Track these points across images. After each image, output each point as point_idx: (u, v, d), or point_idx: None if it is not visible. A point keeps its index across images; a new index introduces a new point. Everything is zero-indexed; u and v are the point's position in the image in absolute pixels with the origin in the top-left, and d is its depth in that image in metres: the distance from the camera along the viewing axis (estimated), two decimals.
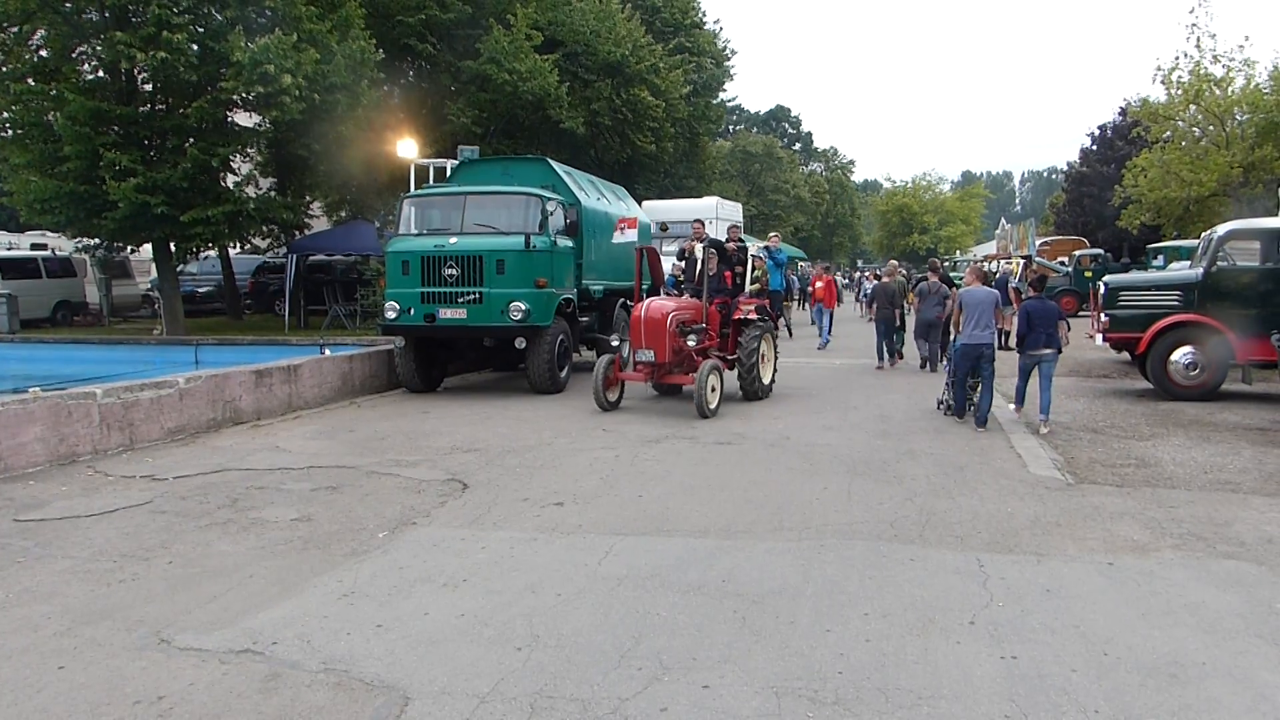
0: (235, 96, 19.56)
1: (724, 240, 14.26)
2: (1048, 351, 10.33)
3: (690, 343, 11.78)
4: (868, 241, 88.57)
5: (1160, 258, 27.59)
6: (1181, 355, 12.71)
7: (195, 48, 19.12)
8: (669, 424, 10.83)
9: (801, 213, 71.58)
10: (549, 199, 13.69)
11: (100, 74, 20.50)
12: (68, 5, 19.42)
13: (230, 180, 21.35)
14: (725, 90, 43.39)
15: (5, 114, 20.19)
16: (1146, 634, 4.60)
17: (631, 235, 13.99)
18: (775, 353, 13.52)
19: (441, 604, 5.03)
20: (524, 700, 3.88)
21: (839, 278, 37.00)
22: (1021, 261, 31.70)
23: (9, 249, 28.04)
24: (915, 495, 7.41)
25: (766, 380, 13.08)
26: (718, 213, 26.22)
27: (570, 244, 14.24)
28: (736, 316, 12.77)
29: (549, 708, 3.82)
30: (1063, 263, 35.29)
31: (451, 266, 12.83)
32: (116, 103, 19.24)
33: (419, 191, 15.75)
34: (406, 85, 30.00)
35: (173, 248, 21.38)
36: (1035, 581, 5.35)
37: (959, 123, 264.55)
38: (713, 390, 11.30)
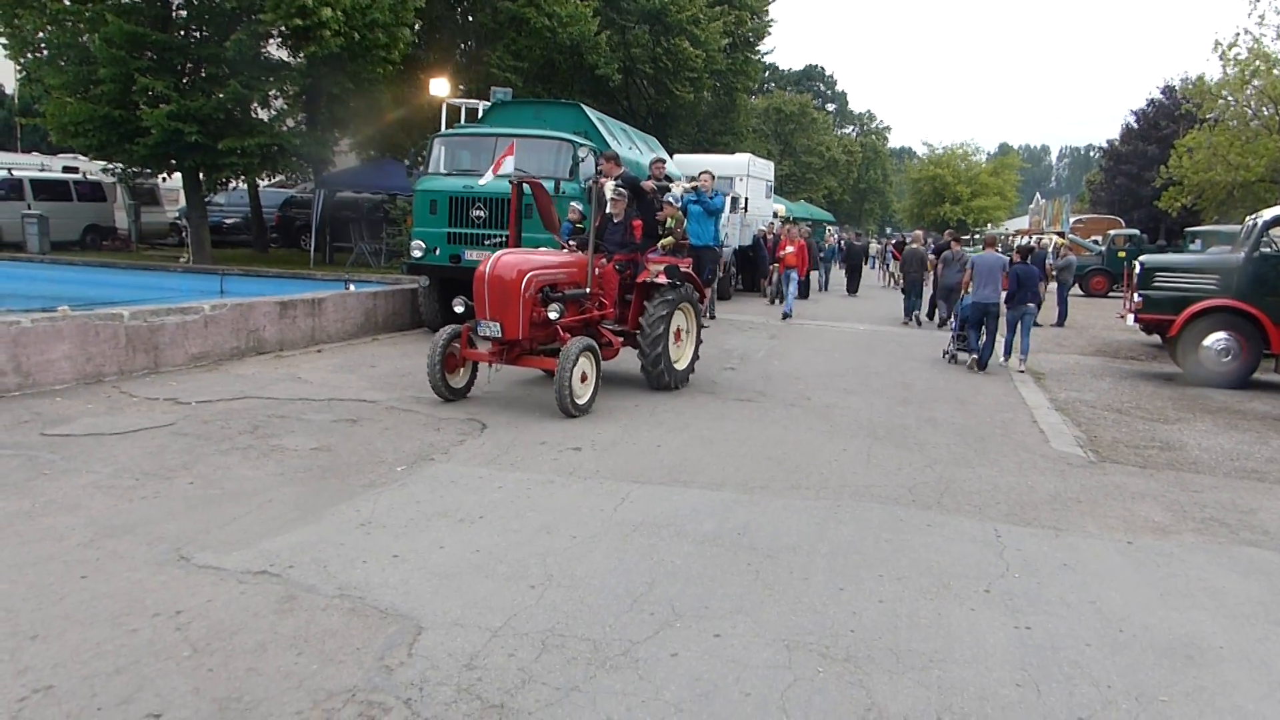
0: (273, 29, 19.39)
1: (638, 177, 10.51)
2: (1030, 306, 13.00)
3: (552, 314, 8.50)
4: (898, 209, 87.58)
5: (1198, 241, 27.13)
6: (1214, 341, 12.51)
7: None
8: (690, 377, 10.78)
9: (834, 176, 70.84)
10: (581, 145, 13.55)
11: None
12: None
13: (265, 113, 21.28)
14: (763, 45, 42.62)
15: (41, 34, 20.11)
16: (1164, 614, 4.57)
17: (508, 166, 9.92)
18: (698, 328, 10.42)
19: (457, 539, 5.06)
20: (535, 636, 3.90)
21: (873, 243, 35.16)
22: (1055, 238, 31.31)
23: (41, 170, 28.11)
24: (935, 462, 7.37)
25: (682, 364, 10.09)
26: (749, 170, 25.91)
27: None
28: (642, 279, 9.81)
29: (560, 645, 3.84)
30: (1096, 241, 34.81)
31: (479, 208, 12.76)
32: (152, 28, 19.14)
33: (450, 131, 15.62)
34: (443, 25, 29.66)
35: (202, 177, 21.38)
36: (1053, 555, 5.32)
37: (999, 93, 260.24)
38: (582, 379, 8.37)
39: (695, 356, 10.48)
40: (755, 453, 7.37)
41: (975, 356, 13.10)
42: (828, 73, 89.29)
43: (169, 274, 19.41)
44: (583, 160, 13.39)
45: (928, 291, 20.33)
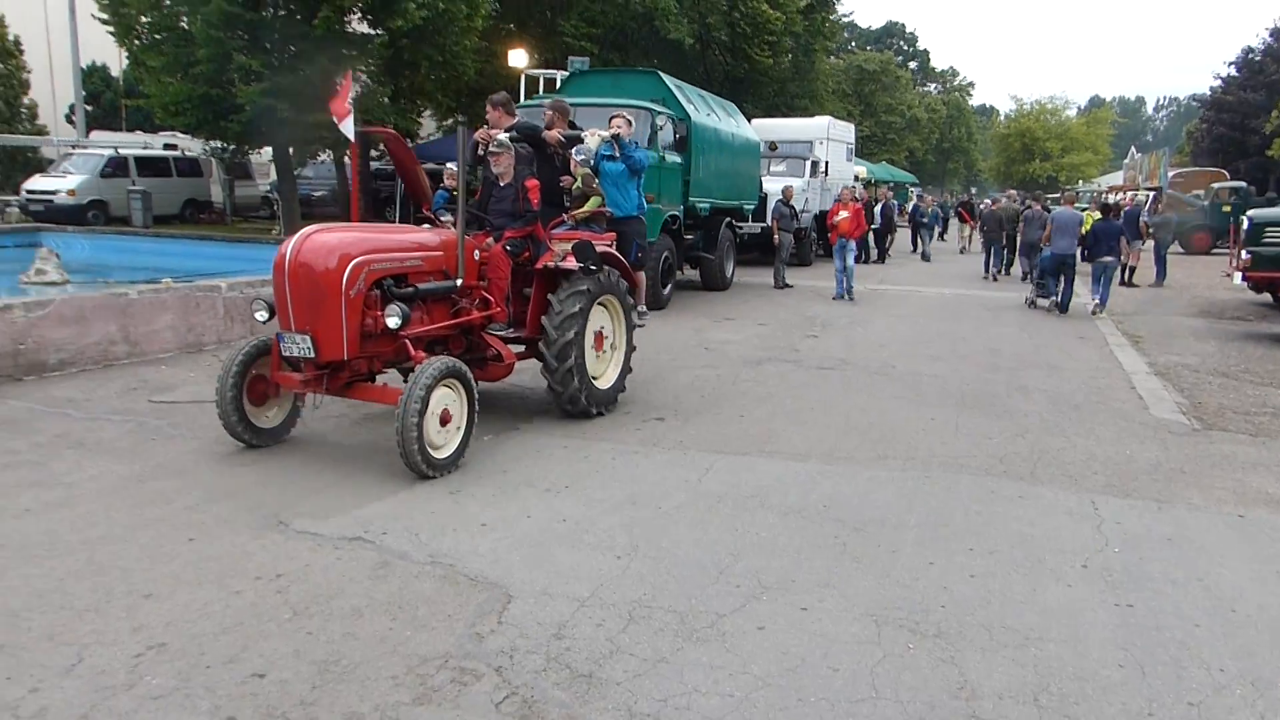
0: (357, 3, 19.70)
1: (538, 126, 8.20)
2: (1109, 259, 14.59)
3: (391, 322, 5.70)
4: (984, 168, 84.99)
5: None
6: None
7: None
8: (770, 346, 10.70)
9: (916, 136, 69.06)
10: (659, 113, 13.46)
11: None
12: None
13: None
14: (841, 4, 41.62)
15: (144, 19, 20.83)
16: None
17: (346, 128, 7.39)
18: (629, 330, 7.64)
19: (543, 508, 5.12)
20: (622, 607, 3.94)
21: (933, 205, 31.92)
22: (1151, 194, 30.03)
23: (144, 149, 29.17)
24: (1026, 431, 7.18)
25: (606, 381, 7.40)
26: (829, 133, 25.44)
27: (678, 160, 14.01)
28: (543, 264, 6.92)
29: (646, 616, 3.87)
30: (1198, 196, 33.25)
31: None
32: (245, 8, 19.61)
33: (528, 102, 15.68)
34: None
35: (292, 151, 21.90)
36: (1155, 529, 5.14)
37: (1088, 43, 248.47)
38: (443, 421, 5.62)
39: (626, 369, 7.61)
40: (840, 422, 7.28)
41: (1055, 300, 14.74)
42: (908, 29, 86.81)
43: (262, 246, 19.97)
44: (661, 128, 13.30)
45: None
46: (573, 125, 8.73)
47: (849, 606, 4.02)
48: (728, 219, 16.52)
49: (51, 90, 37.37)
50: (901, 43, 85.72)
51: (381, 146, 26.92)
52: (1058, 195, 22.93)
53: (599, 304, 7.22)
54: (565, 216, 7.83)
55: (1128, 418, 7.80)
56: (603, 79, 16.21)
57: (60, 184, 24.86)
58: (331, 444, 6.27)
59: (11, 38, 35.67)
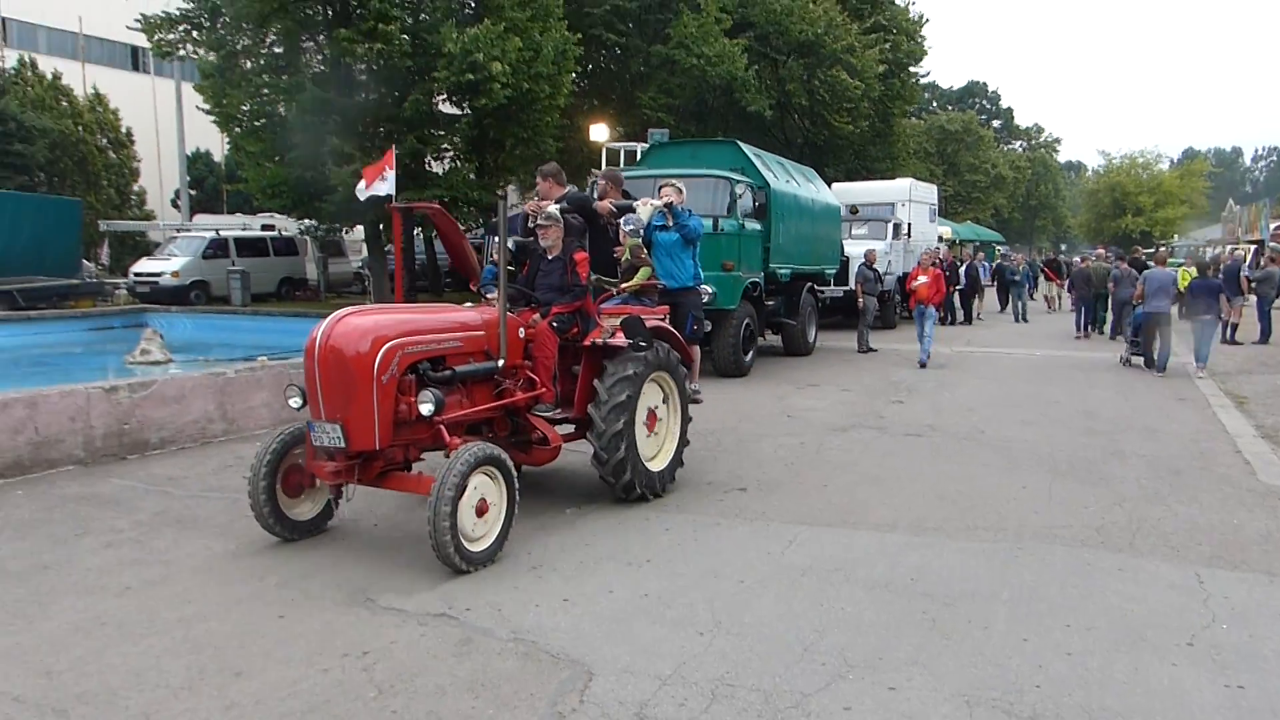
0: (445, 85, 20.57)
1: (590, 197, 8.16)
2: (1207, 317, 14.24)
3: (424, 409, 5.37)
4: (1073, 224, 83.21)
5: None
6: None
7: (407, 38, 20.23)
8: (855, 412, 10.57)
9: (1001, 193, 68.17)
10: (738, 181, 13.60)
11: (324, 68, 22.06)
12: (296, 4, 20.95)
13: (438, 166, 22.55)
14: (919, 66, 41.58)
15: (244, 107, 22.11)
16: None
17: (381, 188, 7.58)
18: (684, 408, 7.25)
19: (625, 582, 5.11)
20: (705, 686, 3.88)
21: (1023, 263, 29.75)
22: (1253, 248, 28.98)
23: (243, 230, 30.65)
24: (1124, 499, 6.90)
25: (659, 462, 6.97)
26: (911, 195, 25.33)
27: (758, 226, 14.10)
28: (591, 340, 6.62)
29: (729, 695, 3.80)
30: None
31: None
32: (339, 93, 20.66)
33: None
34: (598, 72, 30.56)
35: (382, 229, 22.75)
36: (1267, 604, 4.86)
37: (1180, 95, 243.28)
38: (480, 512, 5.31)
39: (682, 447, 7.21)
40: (927, 491, 7.12)
41: (1150, 358, 14.45)
42: (990, 88, 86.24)
43: None
44: (740, 196, 13.43)
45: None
46: (626, 195, 8.59)
47: (938, 686, 3.89)
48: (809, 284, 16.50)
49: (159, 177, 39.68)
50: (984, 101, 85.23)
51: (475, 223, 27.79)
52: (1152, 250, 22.23)
53: (651, 381, 6.85)
54: (613, 290, 7.51)
55: (1233, 484, 7.44)
56: (682, 150, 16.50)
57: (165, 266, 26.20)
58: (418, 519, 6.37)
59: (124, 129, 38.10)
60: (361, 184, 7.91)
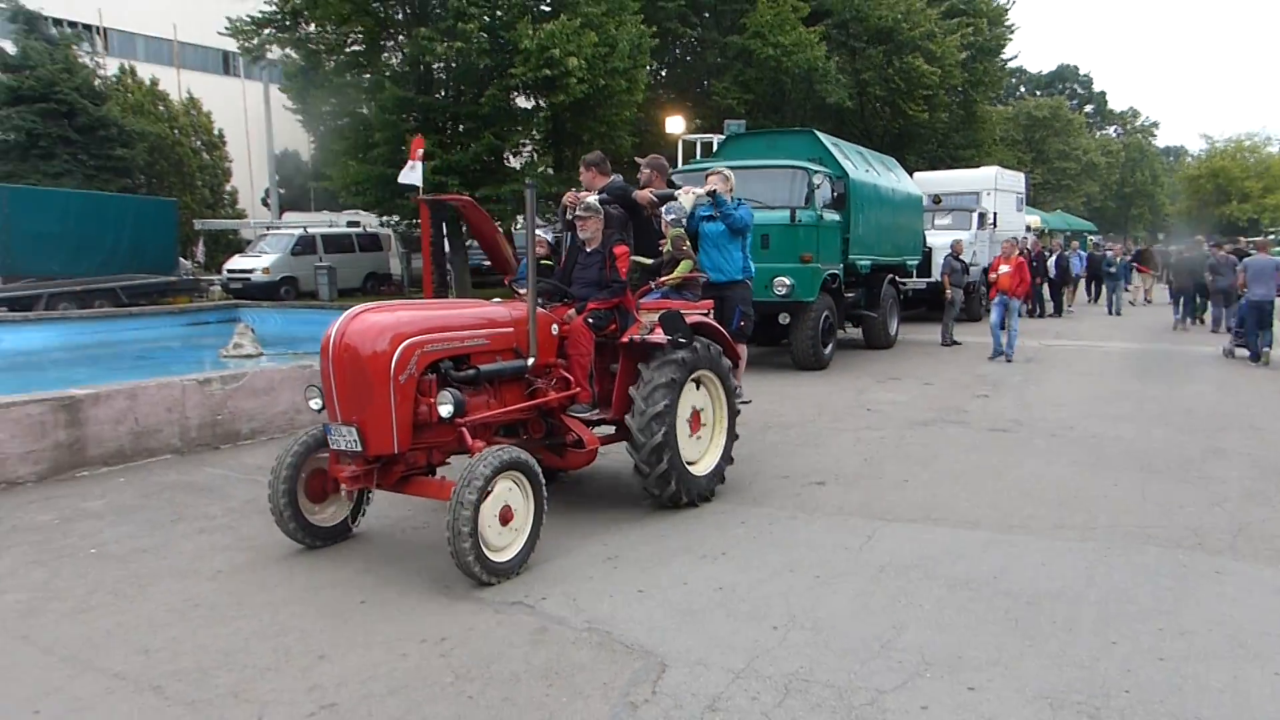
0: (522, 81, 20.79)
1: (630, 186, 7.41)
2: None
3: (443, 411, 5.08)
4: (1171, 212, 79.99)
5: None
6: None
7: (485, 36, 20.49)
8: (937, 407, 10.35)
9: (1093, 180, 65.93)
10: (815, 172, 13.43)
11: (403, 66, 22.52)
12: (376, 4, 21.41)
13: (516, 161, 22.83)
14: (1004, 52, 40.43)
15: (327, 108, 22.72)
16: None
17: (413, 177, 7.66)
18: (728, 413, 6.80)
19: (700, 575, 5.09)
20: (778, 680, 3.84)
21: (1122, 254, 28.06)
22: None
23: (330, 227, 31.51)
24: (1225, 500, 6.61)
25: (703, 467, 6.55)
26: (997, 183, 24.68)
27: (837, 217, 13.90)
28: (628, 337, 6.27)
29: (803, 690, 3.76)
30: None
31: None
32: (418, 92, 21.05)
33: (686, 167, 15.95)
34: (673, 64, 30.51)
35: (463, 224, 23.12)
36: None
37: None
38: (504, 520, 5.00)
39: (727, 456, 6.78)
40: (1012, 488, 6.93)
41: (1253, 351, 13.94)
42: (1082, 72, 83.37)
43: None
44: (818, 187, 13.25)
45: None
46: (670, 184, 8.09)
47: (1020, 687, 3.78)
48: (890, 275, 16.21)
49: (250, 176, 40.99)
50: (1075, 86, 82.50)
51: (553, 217, 28.01)
52: (1256, 238, 21.26)
53: (695, 380, 6.46)
54: (652, 284, 7.11)
55: None
56: (758, 141, 16.35)
57: (256, 263, 27.10)
58: None
59: (217, 131, 39.44)
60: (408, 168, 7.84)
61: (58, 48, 33.77)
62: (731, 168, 13.68)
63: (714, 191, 8.14)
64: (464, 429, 5.26)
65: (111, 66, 38.05)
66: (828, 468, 7.54)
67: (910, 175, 20.65)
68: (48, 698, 3.74)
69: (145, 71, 38.75)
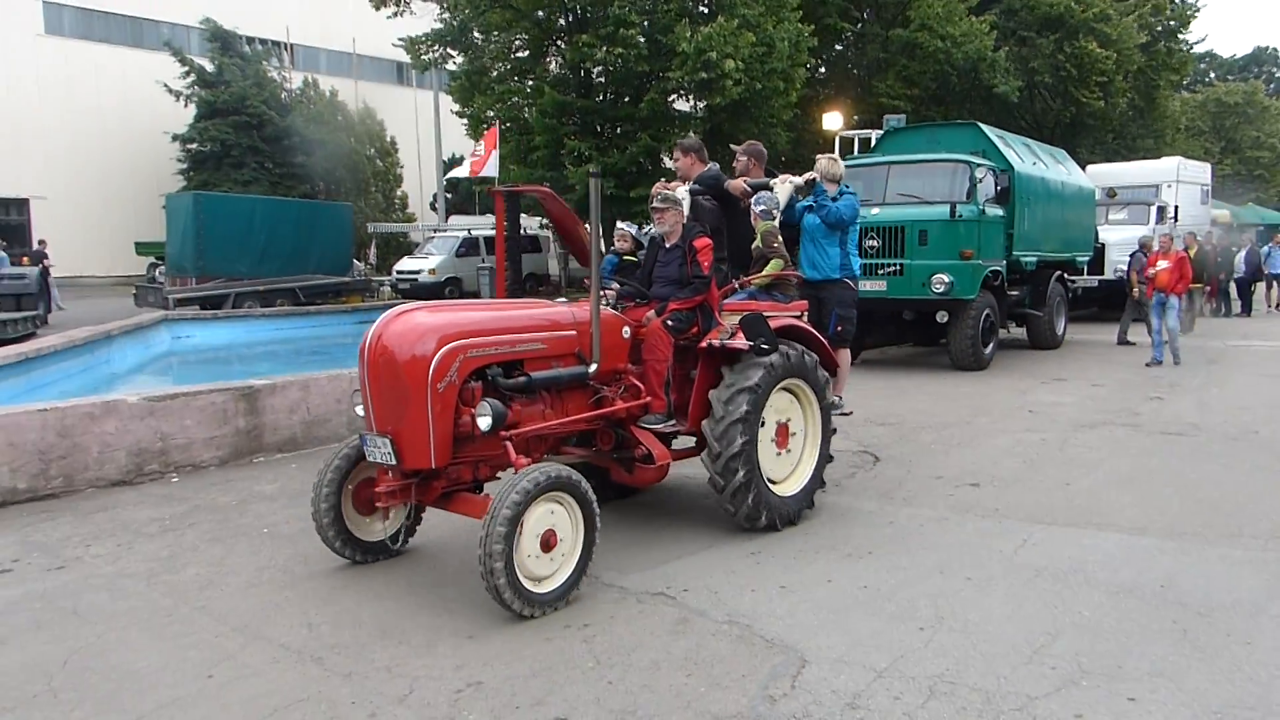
0: (679, 84, 20.99)
1: (722, 175, 6.93)
2: None
3: (482, 423, 4.59)
4: None
5: None
6: None
7: (643, 40, 20.80)
8: (1106, 409, 9.80)
9: None
10: (978, 165, 12.95)
11: (563, 71, 23.15)
12: (540, 13, 22.06)
13: (671, 163, 23.08)
14: (1189, 33, 37.63)
15: (490, 113, 23.60)
16: None
17: (490, 168, 6.64)
18: (822, 428, 6.10)
19: (845, 573, 5.02)
20: (923, 682, 3.75)
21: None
22: None
23: (492, 229, 32.68)
24: None
25: (790, 487, 5.92)
26: (1179, 174, 23.10)
27: (1000, 212, 13.36)
28: (707, 342, 5.68)
29: (949, 693, 3.66)
30: None
31: (872, 237, 12.63)
32: (577, 96, 21.59)
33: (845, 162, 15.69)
34: (833, 60, 30.03)
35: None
36: None
37: None
38: (546, 546, 4.48)
39: (822, 469, 6.11)
40: (1184, 494, 6.49)
41: None
42: None
43: None
44: (980, 180, 12.79)
45: None
46: (769, 173, 7.33)
47: (1186, 701, 3.55)
48: (1058, 272, 15.44)
49: (419, 181, 42.90)
50: (1273, 69, 76.16)
51: None
52: None
53: (780, 390, 5.79)
54: (736, 283, 6.45)
55: None
56: (919, 135, 15.91)
57: (423, 264, 28.39)
58: (640, 502, 6.55)
59: (389, 139, 41.53)
60: (465, 167, 7.25)
61: (250, 64, 36.44)
62: (889, 163, 13.50)
63: (813, 180, 7.27)
64: (508, 442, 4.75)
65: (296, 79, 40.69)
66: (983, 469, 7.27)
67: (1082, 168, 19.59)
68: (220, 664, 4.05)
69: (326, 83, 41.21)
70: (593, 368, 5.19)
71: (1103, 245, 17.93)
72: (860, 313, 13.62)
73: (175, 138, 36.06)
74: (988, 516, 6.03)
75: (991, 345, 13.20)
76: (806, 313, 6.55)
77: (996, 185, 13.29)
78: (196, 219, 22.63)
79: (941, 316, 12.59)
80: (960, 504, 6.33)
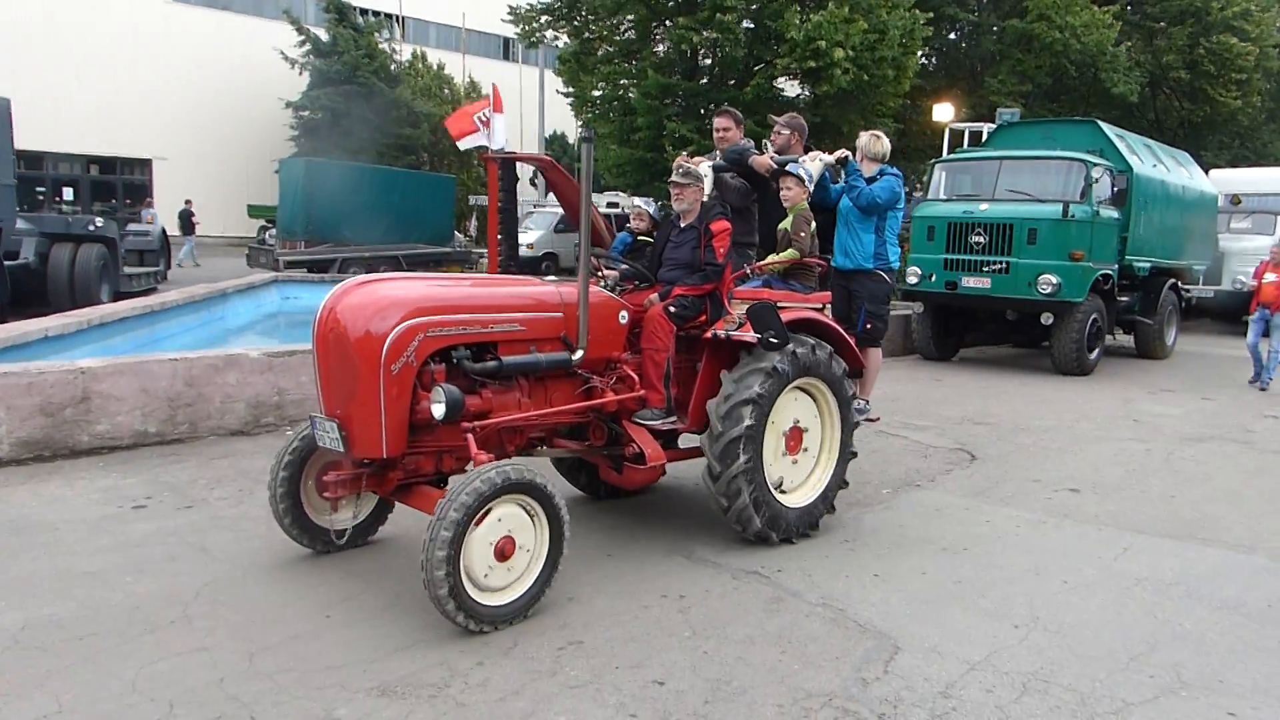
0: (786, 70, 20.83)
1: (749, 149, 6.00)
2: None
3: (435, 411, 4.07)
4: None
5: None
6: None
7: (746, 25, 20.68)
8: (1216, 424, 9.49)
9: None
10: (1094, 164, 12.58)
11: (670, 53, 23.19)
12: None
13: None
14: None
15: (595, 92, 23.83)
16: None
17: (474, 140, 6.90)
18: (842, 431, 5.58)
19: (939, 567, 5.04)
20: (1016, 677, 3.78)
21: None
22: None
23: (605, 208, 33.00)
24: None
25: (802, 497, 5.41)
26: None
27: (1115, 215, 12.96)
28: (712, 332, 5.16)
29: (1042, 690, 3.67)
30: None
31: (979, 234, 12.42)
32: (681, 78, 21.61)
33: (951, 156, 15.42)
34: (945, 51, 29.35)
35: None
36: None
37: None
38: (501, 555, 4.00)
39: (837, 481, 5.59)
40: None
41: None
42: None
43: None
44: (1096, 180, 12.43)
45: None
46: (808, 150, 6.42)
47: None
48: (1172, 280, 14.90)
49: None
50: None
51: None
52: None
53: (798, 389, 5.32)
54: (748, 269, 5.76)
55: None
56: (1033, 130, 15.50)
57: (522, 239, 28.78)
58: None
59: None
60: (481, 134, 6.91)
61: (362, 35, 37.38)
62: (1000, 158, 13.21)
63: (845, 157, 6.40)
64: (469, 434, 4.27)
65: (406, 52, 41.58)
66: (1084, 476, 7.15)
67: (1205, 173, 18.82)
68: (338, 605, 4.29)
69: (434, 57, 42.00)
70: (578, 354, 4.71)
71: (1222, 254, 17.24)
72: (962, 310, 13.55)
73: (289, 105, 37.29)
74: (1087, 522, 5.95)
75: (1097, 351, 12.86)
76: (830, 305, 6.03)
77: (1113, 186, 12.89)
78: (307, 185, 23.37)
79: (1046, 318, 12.30)
80: (1058, 508, 6.25)
